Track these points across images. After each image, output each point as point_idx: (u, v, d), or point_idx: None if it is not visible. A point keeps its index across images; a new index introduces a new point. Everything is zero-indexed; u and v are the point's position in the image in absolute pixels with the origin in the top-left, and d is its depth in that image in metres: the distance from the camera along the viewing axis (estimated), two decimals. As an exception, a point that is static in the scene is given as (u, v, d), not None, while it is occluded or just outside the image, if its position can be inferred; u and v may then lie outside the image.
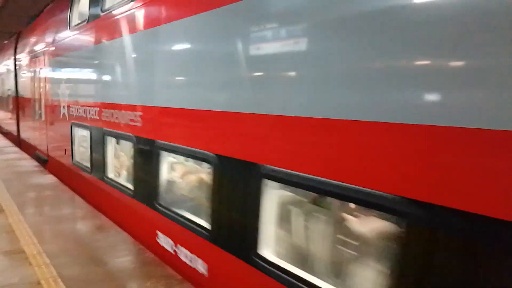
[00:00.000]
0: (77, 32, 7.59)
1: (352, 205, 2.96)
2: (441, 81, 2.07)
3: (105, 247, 5.11)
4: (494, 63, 1.90)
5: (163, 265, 4.55)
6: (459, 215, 1.97)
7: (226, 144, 3.70)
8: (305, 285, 2.90)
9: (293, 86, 2.98)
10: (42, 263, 4.52)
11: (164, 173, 5.03)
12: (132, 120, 5.40)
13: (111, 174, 6.59)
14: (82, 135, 7.79)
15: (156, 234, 4.95)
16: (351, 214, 3.00)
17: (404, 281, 2.30)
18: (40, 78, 10.52)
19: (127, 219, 5.83)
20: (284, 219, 3.43)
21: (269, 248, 3.34)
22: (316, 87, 2.78)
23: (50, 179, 8.86)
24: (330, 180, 2.65)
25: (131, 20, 5.43)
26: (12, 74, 14.85)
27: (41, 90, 10.49)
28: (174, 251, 4.58)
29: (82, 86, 7.81)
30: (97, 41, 6.73)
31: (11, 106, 15.86)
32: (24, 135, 13.78)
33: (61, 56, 8.81)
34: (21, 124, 14.44)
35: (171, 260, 4.59)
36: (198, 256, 4.16)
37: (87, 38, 7.14)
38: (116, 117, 5.90)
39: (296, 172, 2.92)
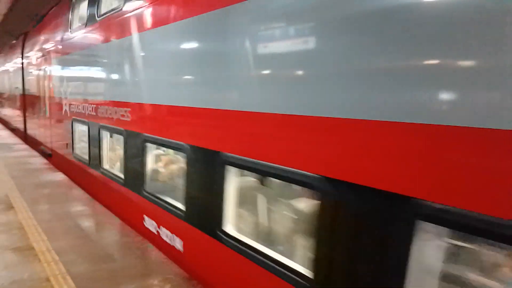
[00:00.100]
0: (77, 34, 8.19)
1: (295, 186, 3.49)
2: None
3: (113, 245, 5.29)
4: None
5: (170, 263, 4.65)
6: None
7: (195, 136, 4.26)
8: (257, 254, 3.44)
9: (236, 85, 3.62)
10: (51, 260, 4.60)
11: (150, 162, 5.61)
12: (122, 116, 5.98)
13: (106, 165, 7.19)
14: (81, 130, 8.42)
15: (143, 218, 5.53)
16: (293, 194, 3.54)
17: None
18: (44, 76, 11.13)
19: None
20: (242, 199, 3.99)
21: (230, 225, 3.91)
22: (250, 87, 3.37)
23: (59, 176, 9.08)
24: (273, 164, 3.19)
25: (124, 25, 5.99)
26: (20, 73, 15.47)
27: (45, 88, 11.10)
28: (157, 231, 5.17)
29: (80, 84, 8.42)
30: (94, 44, 7.32)
31: (18, 103, 16.51)
32: (31, 131, 14.46)
33: (63, 56, 9.43)
34: (27, 120, 15.09)
35: (155, 240, 5.17)
36: (176, 235, 4.74)
37: (85, 40, 7.74)
38: (110, 113, 6.49)
39: (250, 159, 3.46)
